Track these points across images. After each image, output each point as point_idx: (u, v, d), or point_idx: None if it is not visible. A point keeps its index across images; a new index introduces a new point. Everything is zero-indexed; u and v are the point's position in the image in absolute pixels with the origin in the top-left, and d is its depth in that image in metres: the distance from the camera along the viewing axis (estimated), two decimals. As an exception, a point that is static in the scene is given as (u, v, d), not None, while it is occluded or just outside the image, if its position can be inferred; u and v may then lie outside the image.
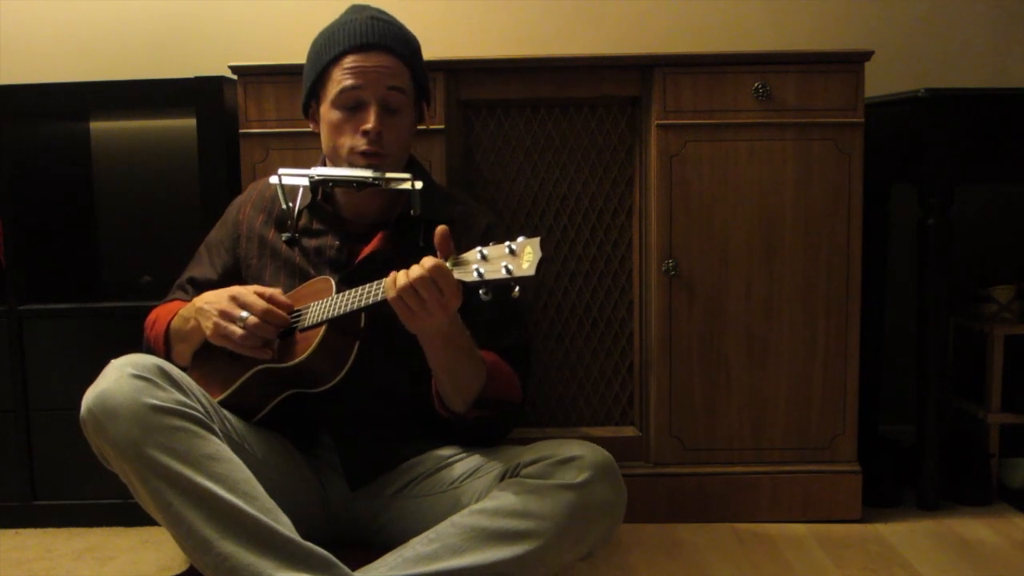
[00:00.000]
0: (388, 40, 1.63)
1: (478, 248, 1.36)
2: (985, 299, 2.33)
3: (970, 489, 2.21)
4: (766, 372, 2.10)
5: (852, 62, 2.04)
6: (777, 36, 2.47)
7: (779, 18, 2.48)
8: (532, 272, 1.29)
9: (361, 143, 1.61)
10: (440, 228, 1.40)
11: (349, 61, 1.61)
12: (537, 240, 1.32)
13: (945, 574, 1.85)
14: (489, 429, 1.62)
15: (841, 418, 2.11)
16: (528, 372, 1.69)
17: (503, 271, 1.31)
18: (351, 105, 1.62)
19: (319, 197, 1.71)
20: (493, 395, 1.56)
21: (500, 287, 1.32)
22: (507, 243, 1.33)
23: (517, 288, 1.31)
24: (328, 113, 1.64)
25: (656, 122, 2.05)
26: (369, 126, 1.60)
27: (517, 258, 1.31)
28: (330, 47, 1.64)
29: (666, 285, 2.08)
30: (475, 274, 1.34)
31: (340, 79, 1.61)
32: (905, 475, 2.22)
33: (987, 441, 2.27)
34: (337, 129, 1.63)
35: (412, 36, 1.70)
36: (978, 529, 2.07)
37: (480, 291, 1.34)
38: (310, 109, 1.71)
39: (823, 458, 2.12)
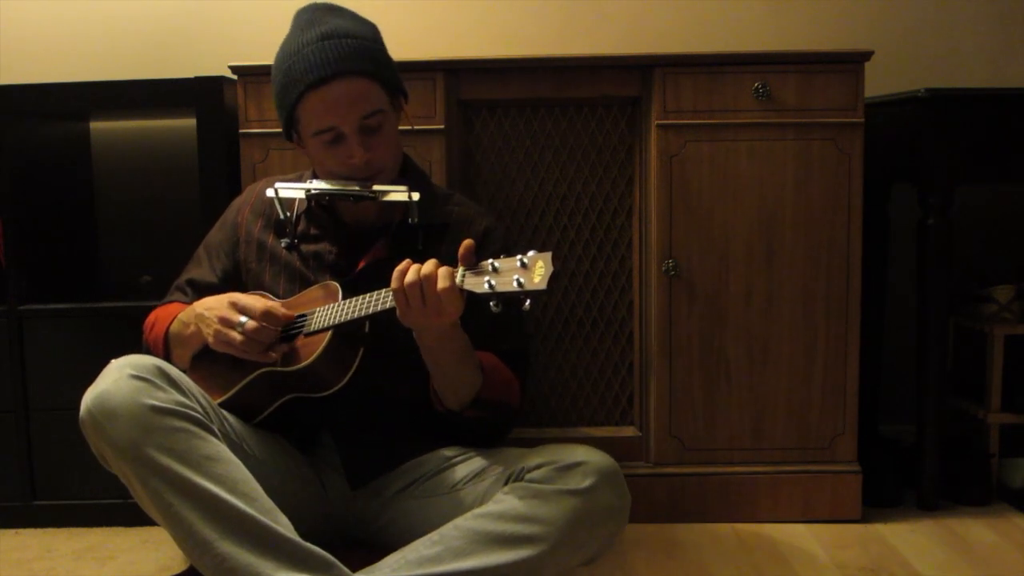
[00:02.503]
0: (347, 64, 1.55)
1: (490, 260, 1.37)
2: (985, 299, 2.33)
3: (970, 489, 2.21)
4: (766, 372, 2.10)
5: (852, 62, 2.03)
6: (777, 36, 2.47)
7: (779, 18, 2.48)
8: (544, 286, 1.29)
9: (348, 171, 1.60)
10: (466, 242, 1.40)
11: (313, 100, 1.56)
12: (549, 254, 1.32)
13: (945, 574, 1.85)
14: (486, 429, 1.62)
15: (841, 418, 2.11)
16: (527, 375, 1.69)
17: (514, 284, 1.31)
18: (330, 140, 1.59)
19: (314, 205, 1.70)
20: (490, 397, 1.56)
21: (511, 300, 1.33)
22: (519, 256, 1.34)
23: (528, 302, 1.31)
24: (311, 142, 1.62)
25: (656, 122, 2.05)
26: (355, 160, 1.58)
27: (528, 271, 1.31)
28: (291, 86, 1.58)
29: (666, 285, 2.08)
30: (486, 286, 1.34)
31: (310, 119, 1.58)
32: (905, 475, 2.22)
33: (987, 441, 2.27)
34: (322, 159, 1.62)
35: (368, 35, 1.62)
36: (978, 529, 2.07)
37: (491, 303, 1.34)
38: (292, 136, 1.67)
39: (823, 458, 2.12)
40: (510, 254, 1.36)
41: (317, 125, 1.58)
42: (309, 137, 1.61)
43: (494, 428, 1.64)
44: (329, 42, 1.57)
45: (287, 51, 1.61)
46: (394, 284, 1.41)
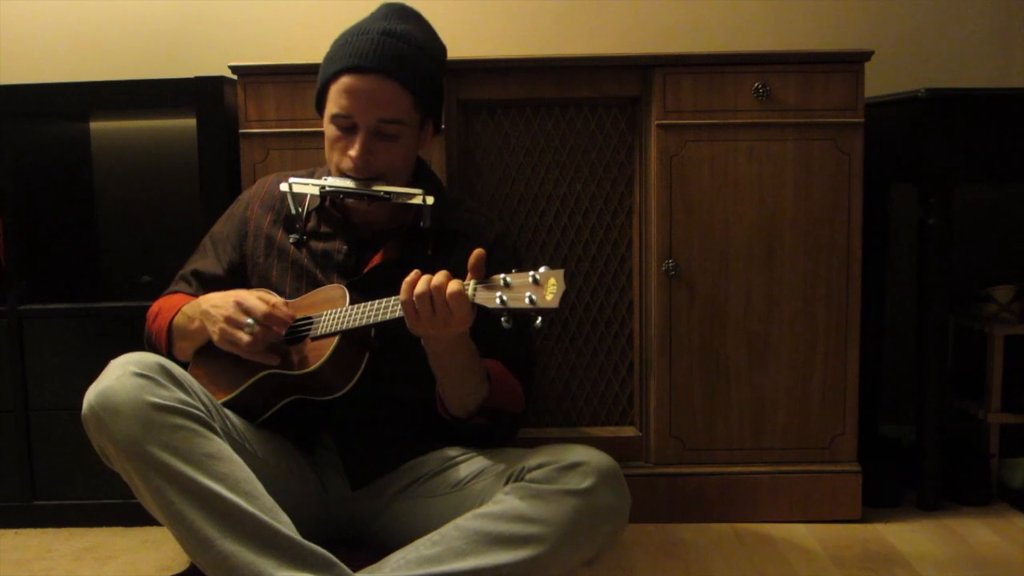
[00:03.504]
0: (390, 64, 1.56)
1: (502, 275, 1.36)
2: (985, 299, 2.33)
3: (970, 489, 2.21)
4: (766, 372, 2.10)
5: (852, 62, 2.04)
6: (777, 36, 2.47)
7: (779, 18, 2.48)
8: (556, 304, 1.30)
9: (348, 164, 1.60)
10: (477, 251, 1.40)
11: (345, 82, 1.57)
12: (561, 272, 1.32)
13: (945, 574, 1.85)
14: (490, 436, 1.62)
15: (841, 418, 2.11)
16: (532, 383, 1.69)
17: (526, 301, 1.31)
18: (344, 126, 1.59)
19: (327, 203, 1.70)
20: (495, 405, 1.56)
21: (522, 316, 1.33)
22: (531, 272, 1.34)
23: (539, 319, 1.32)
24: (326, 126, 1.62)
25: (656, 122, 2.05)
26: (352, 153, 1.58)
27: (541, 288, 1.32)
28: (335, 60, 1.60)
29: (666, 285, 2.08)
30: (498, 301, 1.34)
31: (335, 99, 1.58)
32: (905, 475, 2.22)
33: (987, 441, 2.27)
34: (331, 144, 1.62)
35: (427, 53, 1.63)
36: (978, 529, 2.07)
37: (502, 318, 1.34)
38: (322, 108, 1.68)
39: (823, 458, 2.12)
40: (521, 263, 1.36)
41: (337, 108, 1.58)
42: (328, 117, 1.61)
43: (497, 435, 1.64)
44: (387, 39, 1.58)
45: (352, 30, 1.63)
46: (403, 295, 1.41)
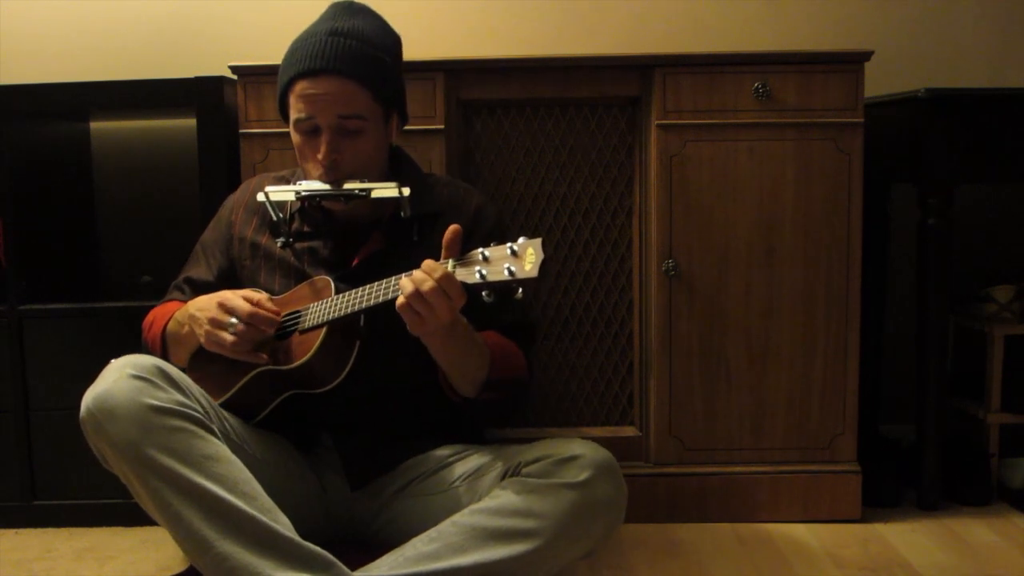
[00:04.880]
0: (341, 63, 1.57)
1: (480, 249, 1.37)
2: (985, 299, 2.33)
3: (970, 489, 2.21)
4: (766, 372, 2.10)
5: (852, 62, 2.04)
6: (777, 36, 2.47)
7: (779, 18, 2.48)
8: (535, 274, 1.29)
9: (319, 172, 1.61)
10: (452, 227, 1.41)
11: (300, 88, 1.58)
12: (539, 241, 1.32)
13: (945, 574, 1.85)
14: (501, 407, 1.62)
15: (841, 418, 2.11)
16: (532, 344, 1.69)
17: (505, 273, 1.31)
18: (308, 131, 1.60)
19: (306, 205, 1.70)
20: (501, 375, 1.56)
21: (502, 289, 1.33)
22: (508, 244, 1.34)
23: (520, 290, 1.32)
24: (292, 133, 1.63)
25: (656, 122, 2.05)
26: (319, 156, 1.59)
27: (519, 259, 1.32)
28: (288, 68, 1.61)
29: (666, 285, 2.08)
30: (477, 276, 1.34)
31: (294, 106, 1.60)
32: (905, 475, 2.22)
33: (987, 441, 2.27)
34: (300, 152, 1.64)
35: (381, 44, 1.63)
36: (978, 529, 2.07)
37: (483, 293, 1.34)
38: (287, 119, 1.69)
39: (823, 458, 2.12)
40: (506, 231, 1.37)
41: (297, 113, 1.60)
42: (292, 124, 1.63)
43: (508, 405, 1.63)
44: (335, 38, 1.58)
45: (300, 36, 1.64)
46: (399, 302, 1.40)
